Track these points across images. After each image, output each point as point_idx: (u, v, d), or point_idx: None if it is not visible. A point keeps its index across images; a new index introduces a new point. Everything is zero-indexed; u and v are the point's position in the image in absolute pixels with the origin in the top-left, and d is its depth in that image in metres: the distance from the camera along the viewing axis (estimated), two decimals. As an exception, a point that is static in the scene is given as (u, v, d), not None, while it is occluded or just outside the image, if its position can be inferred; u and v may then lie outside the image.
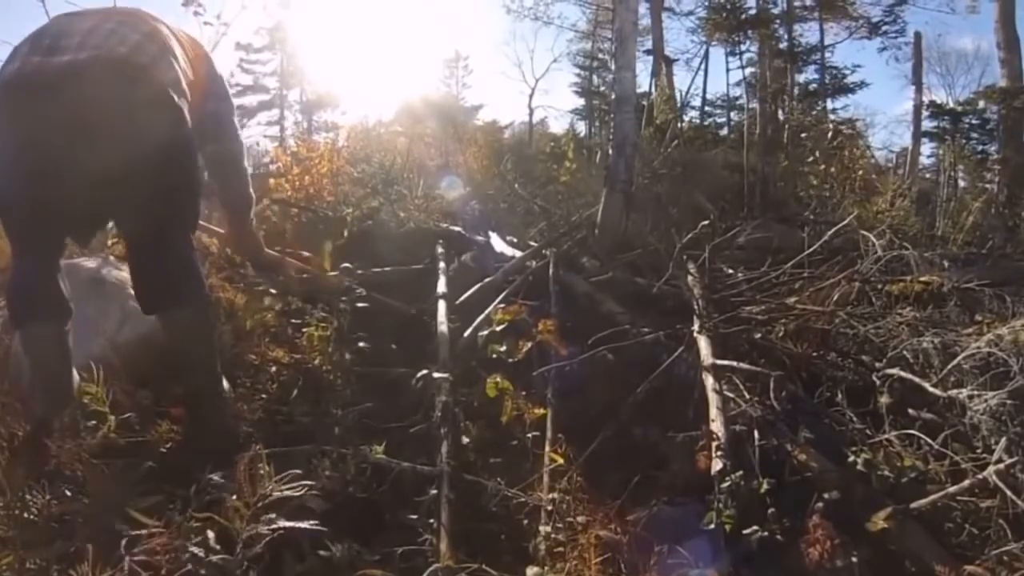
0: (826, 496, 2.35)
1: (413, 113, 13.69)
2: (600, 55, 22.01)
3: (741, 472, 2.37)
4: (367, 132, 11.68)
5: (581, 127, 22.12)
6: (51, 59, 2.27)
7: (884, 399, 2.94)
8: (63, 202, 2.38)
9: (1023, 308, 3.72)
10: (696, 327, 3.37)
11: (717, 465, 2.46)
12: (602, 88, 21.58)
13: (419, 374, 3.07)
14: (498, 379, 2.71)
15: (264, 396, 3.01)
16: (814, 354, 3.57)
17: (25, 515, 1.71)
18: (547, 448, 2.61)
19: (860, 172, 10.15)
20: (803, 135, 12.03)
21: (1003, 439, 2.43)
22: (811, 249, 4.44)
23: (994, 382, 2.69)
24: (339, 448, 2.55)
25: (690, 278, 4.03)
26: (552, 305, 3.93)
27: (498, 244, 5.47)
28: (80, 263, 3.52)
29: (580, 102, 23.29)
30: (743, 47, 15.78)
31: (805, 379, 3.37)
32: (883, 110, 46.45)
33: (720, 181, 9.21)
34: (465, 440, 2.79)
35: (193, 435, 2.55)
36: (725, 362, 3.09)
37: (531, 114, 22.83)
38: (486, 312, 3.72)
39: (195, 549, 1.74)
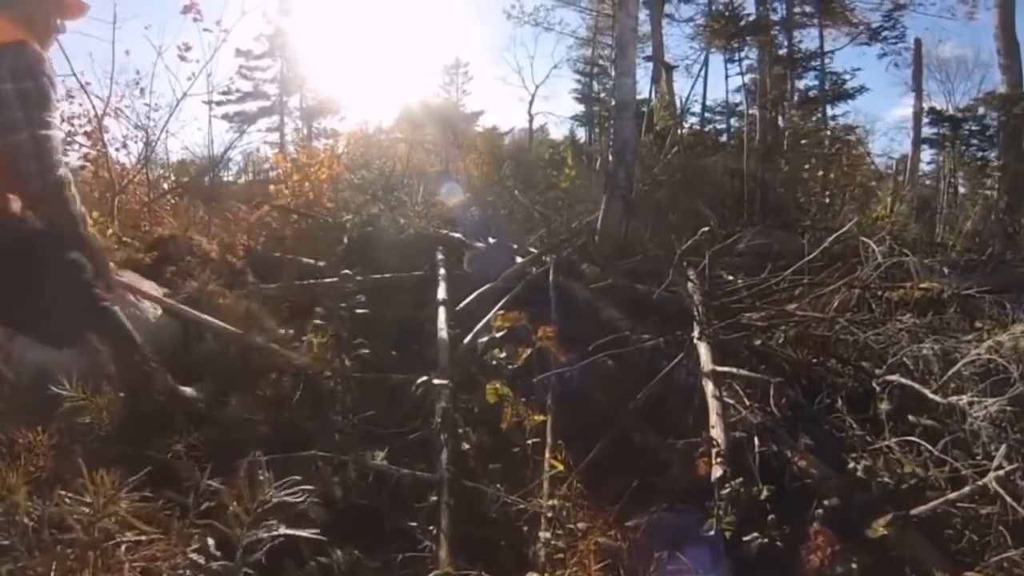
0: (826, 503, 2.36)
1: (413, 119, 13.74)
2: (600, 61, 21.98)
3: (741, 479, 2.37)
4: (367, 138, 11.71)
5: (581, 133, 22.15)
6: None
7: (884, 405, 2.94)
8: None
9: (1023, 315, 3.72)
10: (696, 333, 3.37)
11: (717, 471, 2.46)
12: (602, 94, 21.55)
13: (419, 380, 3.07)
14: (498, 385, 2.70)
15: (264, 402, 3.00)
16: (814, 360, 3.58)
17: (25, 521, 1.71)
18: (547, 454, 2.61)
19: (859, 178, 10.18)
20: (803, 141, 12.04)
21: (1003, 446, 2.43)
22: (811, 256, 4.45)
23: (994, 388, 2.69)
24: (339, 455, 2.55)
25: (690, 284, 4.03)
26: (552, 311, 3.93)
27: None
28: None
29: (580, 108, 23.24)
30: (742, 54, 15.81)
31: (805, 385, 3.37)
32: (880, 116, 46.44)
33: (720, 187, 9.21)
34: (465, 446, 2.79)
35: None
36: (725, 368, 3.09)
37: (531, 120, 22.78)
38: (486, 318, 3.72)
39: (195, 556, 1.74)
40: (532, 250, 5.28)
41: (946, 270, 4.99)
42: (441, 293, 4.24)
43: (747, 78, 16.88)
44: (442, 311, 3.93)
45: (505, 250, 5.23)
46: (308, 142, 18.59)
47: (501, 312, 3.51)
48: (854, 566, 2.09)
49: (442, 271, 4.64)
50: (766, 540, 2.17)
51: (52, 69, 2.40)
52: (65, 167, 2.45)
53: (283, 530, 1.81)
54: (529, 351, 3.01)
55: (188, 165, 11.30)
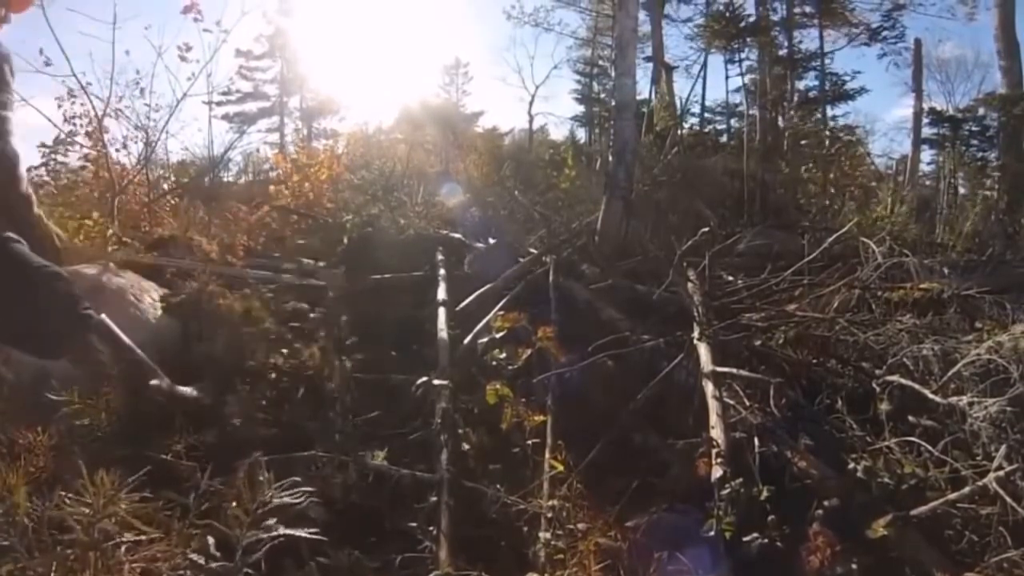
0: (826, 503, 2.36)
1: (413, 120, 13.75)
2: (600, 62, 21.98)
3: (741, 479, 2.37)
4: (367, 139, 11.73)
5: (581, 134, 22.16)
6: None
7: (884, 406, 2.94)
8: None
9: (1023, 315, 3.72)
10: (696, 334, 3.37)
11: (717, 472, 2.46)
12: (602, 95, 21.54)
13: (419, 381, 3.07)
14: (498, 386, 2.70)
15: (264, 403, 3.00)
16: (814, 361, 3.58)
17: (25, 522, 1.71)
18: (547, 455, 2.60)
19: (859, 179, 10.19)
20: (803, 142, 12.05)
21: (1003, 446, 2.43)
22: (811, 256, 4.45)
23: (994, 389, 2.69)
24: (339, 455, 2.55)
25: (690, 285, 4.02)
26: (552, 312, 3.93)
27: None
28: (80, 270, 3.53)
29: (580, 109, 23.19)
30: (742, 54, 15.83)
31: (805, 386, 3.37)
32: (880, 117, 46.46)
33: (720, 188, 9.22)
34: (465, 447, 2.79)
35: None
36: (725, 369, 3.09)
37: (531, 121, 22.72)
38: (486, 319, 3.72)
39: (195, 556, 1.74)
40: (532, 250, 5.28)
41: (946, 270, 4.99)
42: (441, 294, 4.24)
43: (747, 79, 16.93)
44: (442, 311, 3.93)
45: (505, 250, 5.23)
46: (308, 143, 18.61)
47: (501, 313, 3.52)
48: (854, 567, 2.09)
49: (442, 271, 4.64)
50: (766, 541, 2.17)
51: (7, 55, 2.48)
52: (14, 148, 2.50)
53: (283, 531, 1.81)
54: (529, 351, 3.02)
55: (188, 166, 11.30)
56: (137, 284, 3.64)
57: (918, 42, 16.17)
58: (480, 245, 5.34)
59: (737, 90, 17.20)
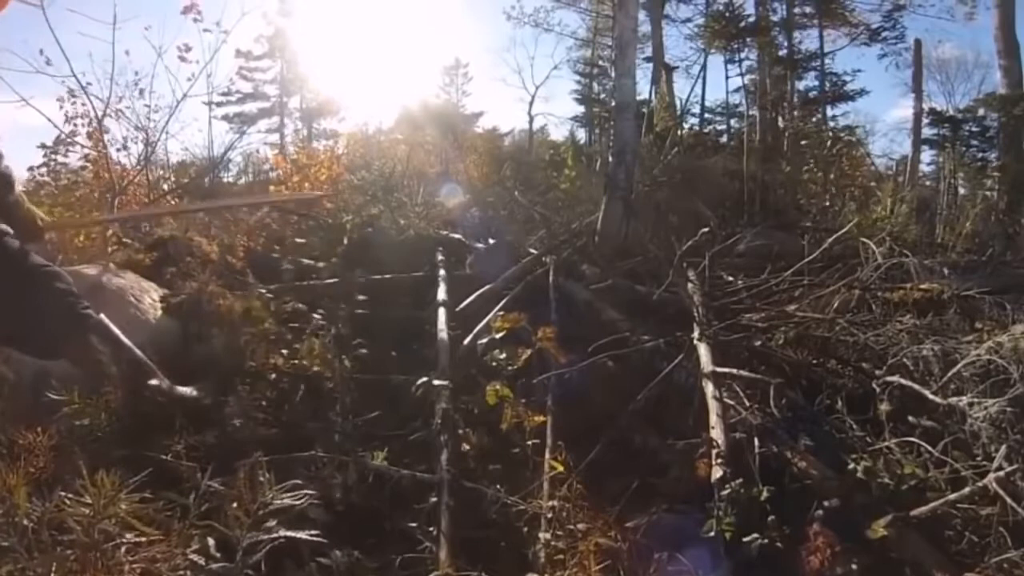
0: (826, 503, 2.36)
1: (413, 120, 13.75)
2: (600, 62, 22.00)
3: (741, 479, 2.37)
4: (367, 139, 11.74)
5: (581, 134, 22.17)
6: None
7: (884, 406, 2.94)
8: None
9: (1023, 315, 3.72)
10: (696, 334, 3.37)
11: (717, 472, 2.46)
12: (602, 95, 21.57)
13: (419, 381, 3.07)
14: (498, 386, 2.70)
15: (264, 403, 3.00)
16: (814, 361, 3.58)
17: (25, 522, 1.71)
18: (547, 455, 2.60)
19: (860, 179, 10.20)
20: (803, 142, 12.05)
21: (1003, 446, 2.43)
22: (811, 257, 4.45)
23: (994, 389, 2.69)
24: (340, 455, 2.55)
25: (690, 285, 4.02)
26: (552, 312, 3.93)
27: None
28: (81, 270, 3.53)
29: (580, 109, 23.20)
30: (742, 55, 15.86)
31: (805, 386, 3.37)
32: (880, 117, 46.37)
33: (720, 188, 9.22)
34: (465, 447, 2.79)
35: None
36: (725, 369, 3.09)
37: (531, 121, 22.81)
38: (486, 320, 3.72)
39: (195, 557, 1.74)
40: (532, 251, 5.28)
41: (946, 271, 4.99)
42: (441, 294, 4.23)
43: (747, 79, 16.98)
44: (442, 312, 3.92)
45: (505, 251, 5.24)
46: (308, 143, 18.62)
47: (501, 313, 3.51)
48: (854, 567, 2.09)
49: (442, 272, 4.63)
50: (766, 541, 2.17)
51: None
52: None
53: (283, 532, 1.82)
54: (529, 352, 3.01)
55: (188, 166, 11.30)
56: (137, 284, 3.64)
57: (918, 42, 16.18)
58: (480, 245, 5.34)
59: (737, 90, 17.25)
